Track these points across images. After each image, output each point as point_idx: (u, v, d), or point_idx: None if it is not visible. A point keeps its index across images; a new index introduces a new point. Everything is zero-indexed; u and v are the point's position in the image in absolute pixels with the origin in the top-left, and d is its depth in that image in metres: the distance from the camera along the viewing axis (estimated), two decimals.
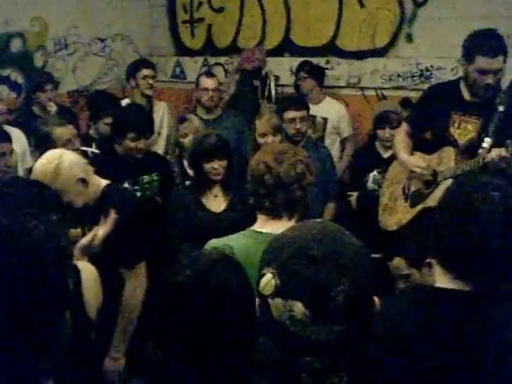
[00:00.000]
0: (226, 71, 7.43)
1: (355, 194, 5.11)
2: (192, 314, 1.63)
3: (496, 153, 3.59)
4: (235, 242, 2.63)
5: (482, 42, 3.79)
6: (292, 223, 2.63)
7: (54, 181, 3.17)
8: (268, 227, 2.66)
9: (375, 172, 4.91)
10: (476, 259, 1.73)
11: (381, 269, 3.33)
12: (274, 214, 2.68)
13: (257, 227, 2.71)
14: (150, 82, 6.13)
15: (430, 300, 1.79)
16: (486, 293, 1.74)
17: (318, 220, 1.65)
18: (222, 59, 7.51)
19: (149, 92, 6.14)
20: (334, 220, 5.02)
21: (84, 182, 3.36)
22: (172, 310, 1.67)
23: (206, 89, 5.77)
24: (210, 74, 6.09)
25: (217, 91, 5.86)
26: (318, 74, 6.25)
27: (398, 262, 3.33)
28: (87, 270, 2.57)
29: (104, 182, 3.53)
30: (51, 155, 3.36)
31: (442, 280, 1.80)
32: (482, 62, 3.76)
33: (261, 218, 2.72)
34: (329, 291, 1.40)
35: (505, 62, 3.79)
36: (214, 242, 2.67)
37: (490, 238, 1.71)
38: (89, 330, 2.49)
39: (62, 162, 3.28)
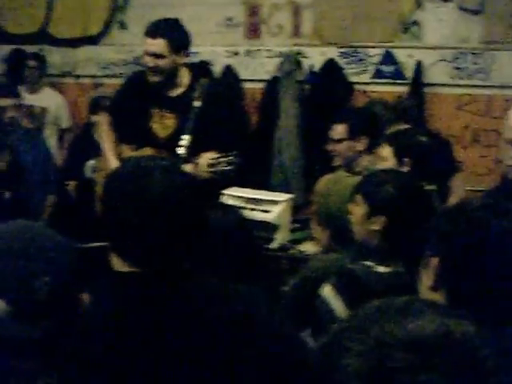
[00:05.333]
0: None
1: (73, 183, 5.02)
2: None
3: (204, 161, 3.65)
4: None
5: (149, 25, 3.84)
6: None
7: None
8: None
9: (93, 160, 4.83)
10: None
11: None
12: None
13: None
14: None
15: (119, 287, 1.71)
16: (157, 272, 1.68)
17: (19, 220, 1.59)
18: None
19: None
20: (54, 210, 4.90)
21: None
22: None
23: None
24: None
25: None
26: (41, 62, 6.09)
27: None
28: None
29: None
30: None
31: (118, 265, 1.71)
32: (145, 42, 3.81)
33: None
34: (31, 285, 1.36)
35: (173, 51, 3.76)
36: None
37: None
38: None
39: None
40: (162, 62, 3.76)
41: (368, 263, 2.34)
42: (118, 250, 1.69)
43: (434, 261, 1.52)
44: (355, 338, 0.83)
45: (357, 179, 2.83)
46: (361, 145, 4.11)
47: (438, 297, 1.51)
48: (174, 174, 1.69)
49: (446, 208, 1.91)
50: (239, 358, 1.59)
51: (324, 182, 3.00)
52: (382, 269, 2.31)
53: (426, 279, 1.55)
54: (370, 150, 4.15)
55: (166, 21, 3.85)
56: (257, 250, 2.58)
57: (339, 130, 4.18)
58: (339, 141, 4.16)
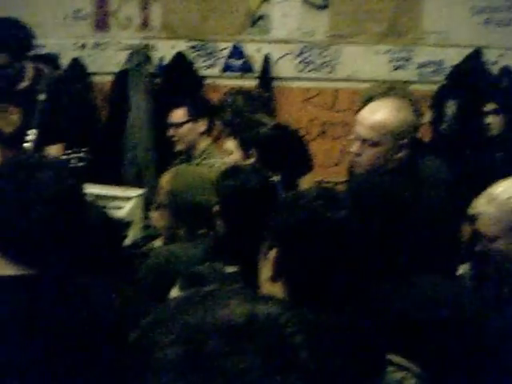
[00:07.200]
0: None
1: None
2: None
3: (53, 152, 3.58)
4: None
5: None
6: None
7: None
8: None
9: None
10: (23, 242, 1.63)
11: None
12: None
13: None
14: None
15: None
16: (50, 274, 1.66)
17: None
18: None
19: None
20: None
21: None
22: None
23: None
24: None
25: None
26: None
27: None
28: None
29: None
30: None
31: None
32: None
33: None
34: None
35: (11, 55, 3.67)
36: None
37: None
38: None
39: None
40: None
41: (217, 264, 2.36)
42: (6, 252, 1.63)
43: (272, 252, 1.54)
44: (166, 330, 0.83)
45: (207, 171, 2.86)
46: (201, 126, 4.15)
47: (277, 288, 1.54)
48: (62, 171, 1.68)
49: (281, 199, 1.94)
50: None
51: (172, 175, 2.98)
52: (230, 269, 2.33)
53: (265, 271, 1.57)
54: (209, 132, 4.20)
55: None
56: (120, 247, 2.56)
57: (179, 114, 4.19)
58: (180, 125, 4.18)
